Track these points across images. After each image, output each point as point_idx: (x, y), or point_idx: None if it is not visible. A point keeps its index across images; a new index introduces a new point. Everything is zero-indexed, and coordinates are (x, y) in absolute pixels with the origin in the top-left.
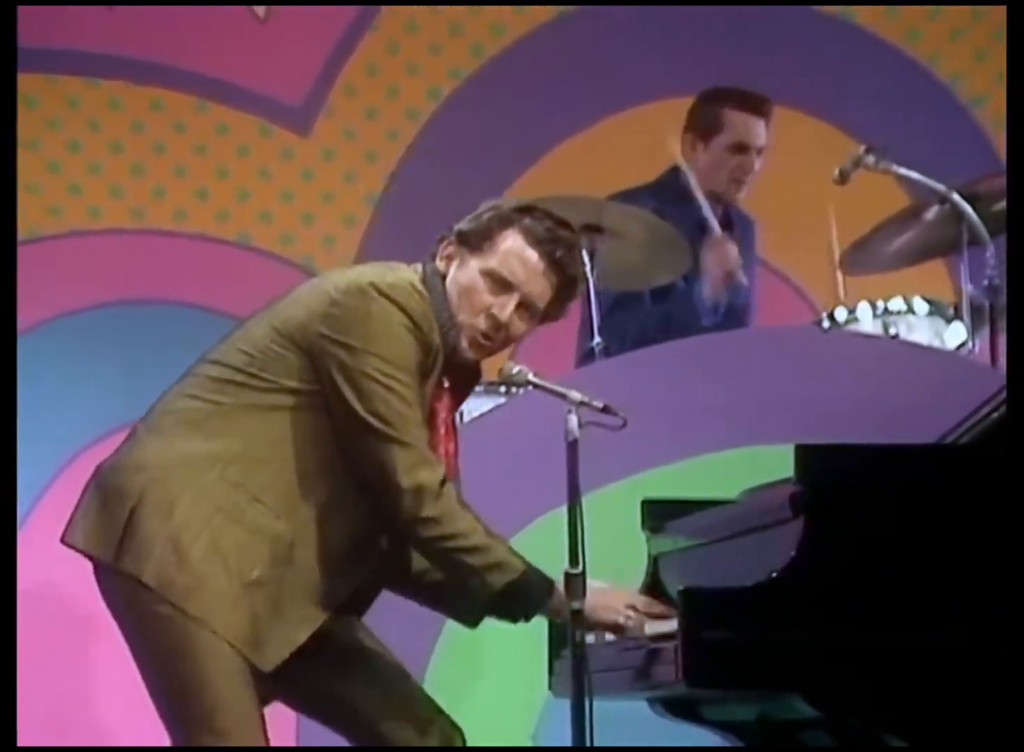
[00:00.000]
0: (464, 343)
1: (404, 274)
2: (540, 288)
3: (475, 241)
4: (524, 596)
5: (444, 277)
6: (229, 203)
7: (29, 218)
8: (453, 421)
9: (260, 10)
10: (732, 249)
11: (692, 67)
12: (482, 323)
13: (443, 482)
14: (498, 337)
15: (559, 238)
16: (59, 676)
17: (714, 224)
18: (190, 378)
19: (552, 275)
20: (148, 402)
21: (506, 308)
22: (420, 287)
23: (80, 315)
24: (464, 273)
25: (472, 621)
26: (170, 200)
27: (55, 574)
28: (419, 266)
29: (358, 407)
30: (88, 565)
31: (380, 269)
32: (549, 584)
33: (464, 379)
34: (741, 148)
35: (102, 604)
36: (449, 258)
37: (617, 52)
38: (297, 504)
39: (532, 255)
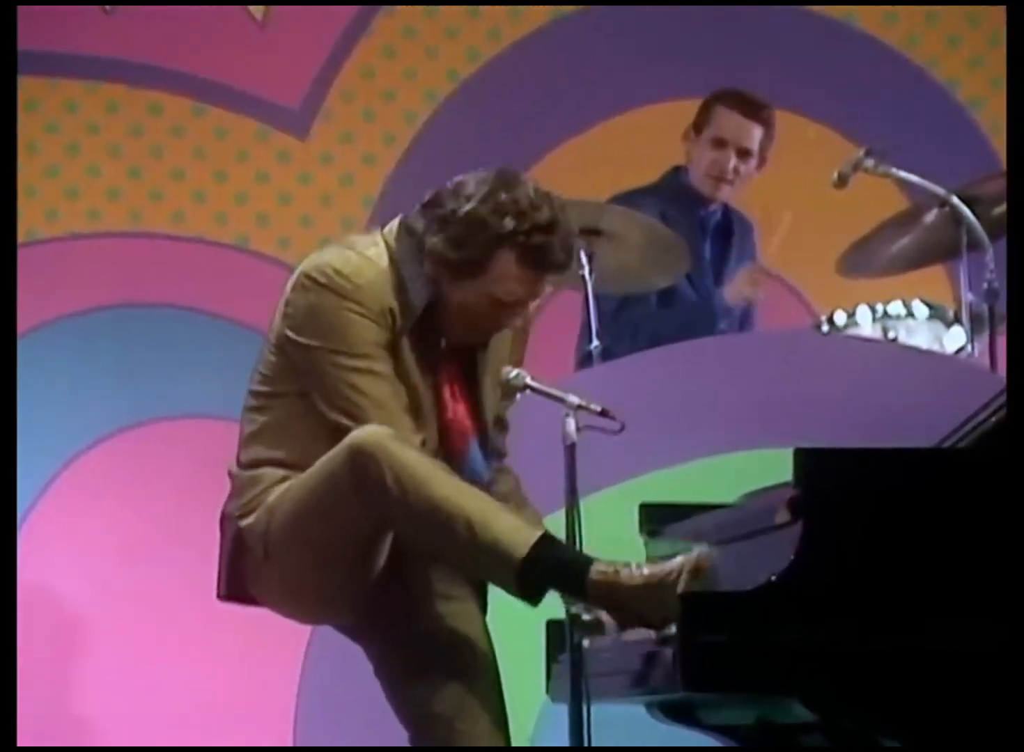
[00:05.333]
0: (469, 340)
1: (353, 246)
2: (540, 290)
3: (468, 268)
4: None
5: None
6: (227, 206)
7: (27, 221)
8: (460, 382)
9: (258, 14)
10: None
11: (690, 70)
12: (490, 330)
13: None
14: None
15: (549, 246)
16: (58, 676)
17: (760, 260)
18: (243, 412)
19: (550, 274)
20: (146, 404)
21: (513, 318)
22: (367, 254)
23: (78, 318)
24: (461, 294)
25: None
26: (168, 203)
27: (54, 574)
28: (381, 236)
29: (325, 408)
30: (85, 565)
31: (320, 253)
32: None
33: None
34: (719, 143)
35: (103, 603)
36: (437, 270)
37: (615, 55)
38: None
39: (529, 273)
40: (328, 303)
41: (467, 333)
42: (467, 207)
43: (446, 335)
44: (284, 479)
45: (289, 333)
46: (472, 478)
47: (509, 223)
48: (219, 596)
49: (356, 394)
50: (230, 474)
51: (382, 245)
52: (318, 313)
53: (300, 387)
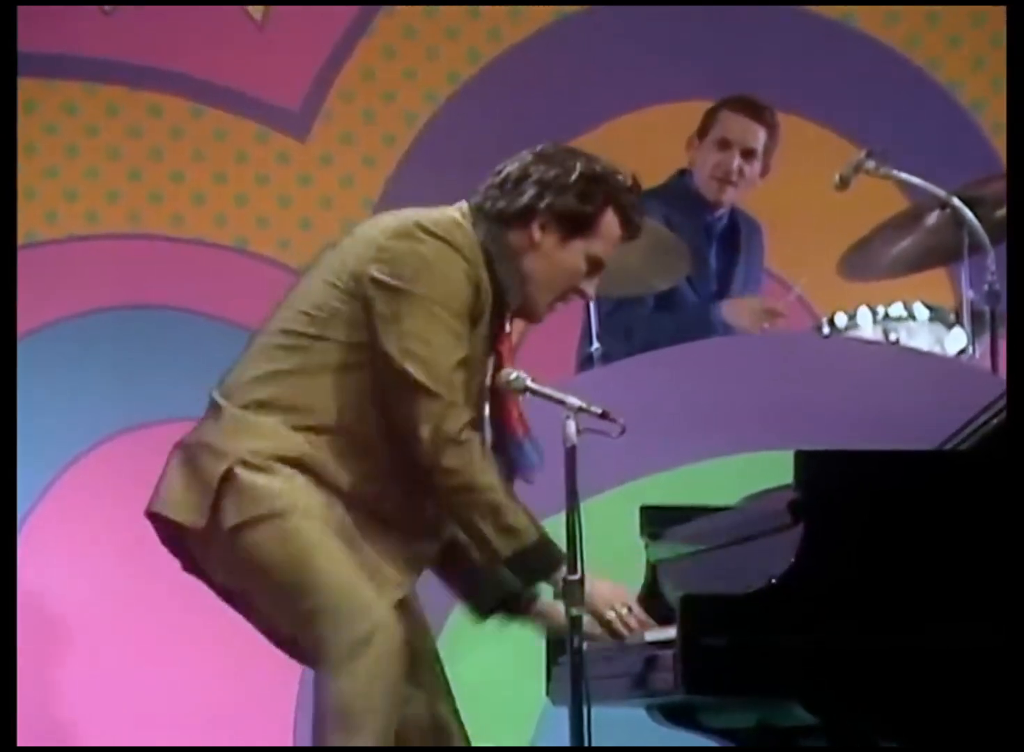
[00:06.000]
0: (541, 310)
1: (449, 213)
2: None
3: (585, 225)
4: (528, 565)
5: (514, 247)
6: (226, 208)
7: (26, 223)
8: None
9: (257, 15)
10: (782, 313)
11: (692, 71)
12: (566, 297)
13: (464, 429)
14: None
15: (638, 208)
16: (58, 677)
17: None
18: (260, 348)
19: (630, 238)
20: (146, 406)
21: (593, 285)
22: (465, 224)
23: (77, 320)
24: (568, 255)
25: (482, 613)
26: (167, 205)
27: (54, 575)
28: (461, 209)
29: (396, 355)
30: (85, 567)
31: (422, 210)
32: (557, 558)
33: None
34: (724, 144)
35: (102, 605)
36: (543, 233)
37: (616, 56)
38: (373, 467)
39: (622, 235)
40: (444, 256)
41: (546, 303)
42: (580, 166)
43: (522, 309)
44: (293, 440)
45: (381, 275)
46: (527, 467)
47: (620, 180)
48: (147, 511)
49: (437, 344)
50: (217, 405)
51: (464, 221)
52: (430, 263)
53: (353, 337)
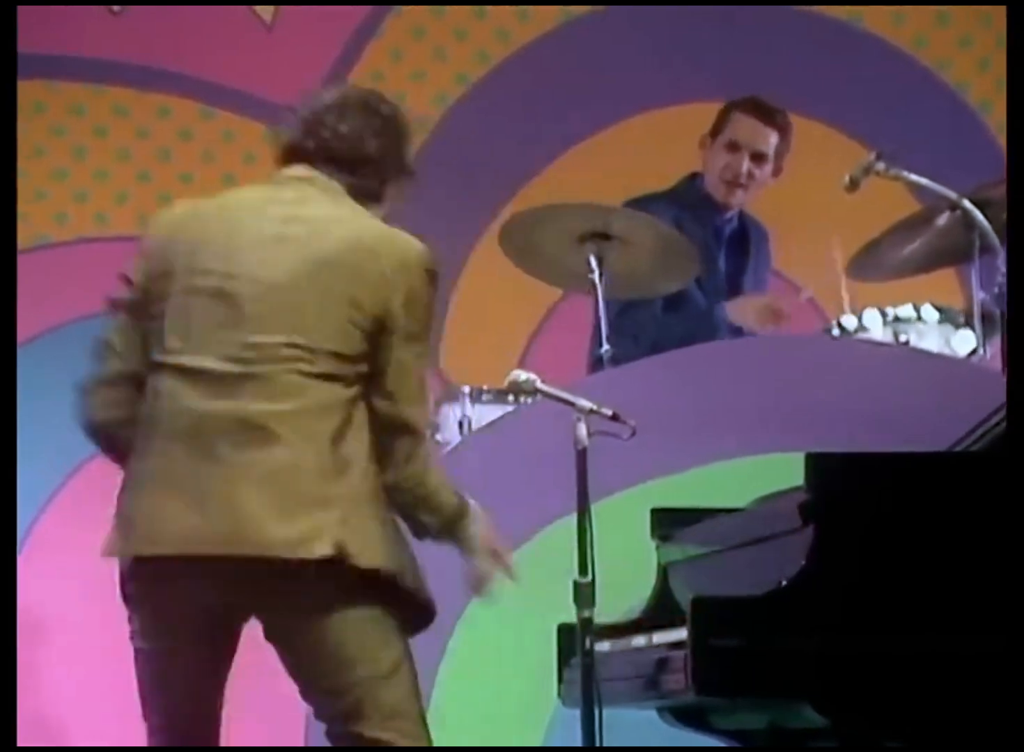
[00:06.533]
0: None
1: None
2: None
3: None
4: (445, 528)
5: None
6: None
7: (35, 225)
8: None
9: (266, 16)
10: (786, 315)
11: (701, 72)
12: None
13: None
14: None
15: None
16: (58, 682)
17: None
18: (294, 375)
19: None
20: None
21: None
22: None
23: (87, 322)
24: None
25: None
26: None
27: (60, 583)
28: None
29: (401, 396)
30: (89, 576)
31: (406, 238)
32: (462, 513)
33: None
34: (733, 147)
35: (105, 611)
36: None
37: (625, 57)
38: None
39: None
40: (432, 299)
41: None
42: (408, 132)
43: None
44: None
45: (402, 315)
46: None
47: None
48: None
49: (425, 387)
50: (269, 431)
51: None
52: (428, 307)
53: (364, 370)
